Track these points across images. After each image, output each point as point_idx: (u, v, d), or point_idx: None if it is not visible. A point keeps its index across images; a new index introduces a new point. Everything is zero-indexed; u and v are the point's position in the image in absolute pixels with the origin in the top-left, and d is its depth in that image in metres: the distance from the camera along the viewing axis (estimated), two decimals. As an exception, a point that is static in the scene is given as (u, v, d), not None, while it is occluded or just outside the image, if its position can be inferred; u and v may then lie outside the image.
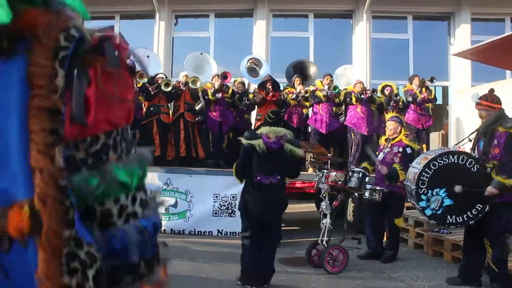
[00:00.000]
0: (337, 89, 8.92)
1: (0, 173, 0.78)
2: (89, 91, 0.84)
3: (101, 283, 0.89)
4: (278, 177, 4.90)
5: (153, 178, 7.80)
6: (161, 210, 1.01)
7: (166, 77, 9.33)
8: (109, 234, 0.89)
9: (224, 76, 9.19)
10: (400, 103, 9.12)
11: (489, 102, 5.02)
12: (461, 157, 4.87)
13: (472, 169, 4.84)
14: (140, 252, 0.93)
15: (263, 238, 4.96)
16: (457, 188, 4.81)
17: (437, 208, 4.88)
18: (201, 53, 10.31)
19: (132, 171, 0.92)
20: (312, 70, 10.06)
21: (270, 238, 5.05)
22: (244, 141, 4.97)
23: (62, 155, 0.82)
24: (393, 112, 7.71)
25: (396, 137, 6.41)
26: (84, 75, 0.83)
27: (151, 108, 8.83)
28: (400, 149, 6.27)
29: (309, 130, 9.26)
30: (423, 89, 9.14)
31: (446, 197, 4.87)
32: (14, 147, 0.79)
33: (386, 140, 6.54)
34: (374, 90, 9.16)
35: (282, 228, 6.84)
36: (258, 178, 4.87)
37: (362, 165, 6.53)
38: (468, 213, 4.85)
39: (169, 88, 8.72)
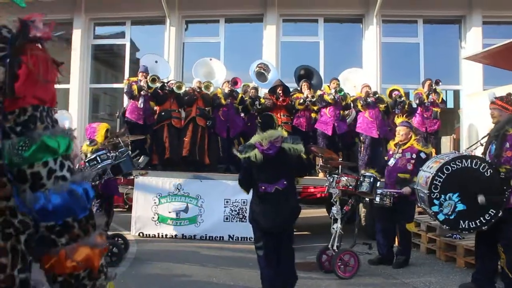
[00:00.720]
0: (342, 92, 8.92)
1: None
2: (20, 70, 0.98)
3: (30, 246, 1.00)
4: (285, 182, 4.62)
5: (165, 183, 7.86)
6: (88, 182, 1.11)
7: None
8: (40, 193, 0.99)
9: (234, 82, 9.24)
10: (406, 107, 9.08)
11: (504, 103, 4.98)
12: (474, 161, 4.82)
13: (485, 173, 4.78)
14: (72, 212, 1.02)
15: (278, 248, 4.70)
16: (480, 199, 4.75)
17: (450, 213, 4.83)
18: (210, 59, 10.36)
19: (58, 139, 1.03)
20: (314, 81, 10.08)
21: (286, 247, 4.74)
22: (240, 156, 4.73)
23: None
24: (402, 116, 7.68)
25: (407, 142, 6.38)
26: (16, 61, 0.97)
27: (163, 113, 8.89)
28: (414, 155, 6.22)
29: (317, 135, 9.25)
30: (432, 93, 9.10)
31: (459, 201, 4.81)
32: None
33: (395, 145, 6.50)
34: (375, 93, 9.09)
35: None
36: (263, 187, 4.63)
37: (369, 172, 6.46)
38: (481, 218, 4.79)
39: (182, 90, 8.77)
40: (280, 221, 4.63)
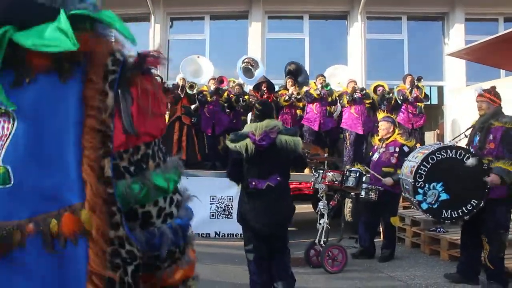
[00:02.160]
0: (329, 87, 8.96)
1: (55, 180, 0.88)
2: (132, 107, 0.96)
3: (137, 278, 1.02)
4: (278, 177, 4.13)
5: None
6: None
7: (162, 80, 9.34)
8: (150, 232, 1.02)
9: (220, 80, 9.23)
10: (393, 102, 9.16)
11: (492, 95, 5.06)
12: (459, 151, 4.89)
13: (469, 164, 4.86)
14: (175, 243, 1.07)
15: (269, 251, 4.28)
16: (470, 161, 4.80)
17: (433, 202, 4.89)
18: (198, 57, 10.32)
19: (169, 177, 1.05)
20: (301, 78, 10.11)
21: (279, 250, 4.31)
22: (230, 144, 4.21)
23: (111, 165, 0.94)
24: (385, 112, 7.77)
25: (390, 136, 6.45)
26: (128, 93, 0.96)
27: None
28: (397, 149, 6.30)
29: (304, 131, 9.28)
30: (415, 89, 9.19)
31: (443, 191, 4.88)
32: (70, 158, 0.89)
33: (380, 140, 6.57)
34: (363, 89, 9.15)
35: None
36: (253, 183, 4.12)
37: (356, 167, 6.53)
38: (463, 208, 4.87)
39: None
40: (272, 222, 4.15)
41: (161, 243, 1.05)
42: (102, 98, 0.92)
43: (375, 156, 6.45)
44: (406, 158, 5.39)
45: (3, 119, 0.89)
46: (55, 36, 0.86)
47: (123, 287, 0.98)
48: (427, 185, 4.88)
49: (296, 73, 9.95)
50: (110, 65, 0.95)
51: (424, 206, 4.91)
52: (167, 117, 9.05)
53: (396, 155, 6.26)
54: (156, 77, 1.04)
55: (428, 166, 4.88)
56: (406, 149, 6.29)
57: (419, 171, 4.88)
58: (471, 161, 4.78)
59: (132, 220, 1.02)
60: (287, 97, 9.08)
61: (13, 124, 0.88)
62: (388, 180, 6.10)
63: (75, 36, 0.87)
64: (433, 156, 4.90)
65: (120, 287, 0.97)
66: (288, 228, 4.56)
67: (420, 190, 4.89)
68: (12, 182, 0.87)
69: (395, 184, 5.97)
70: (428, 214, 5.09)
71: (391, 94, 9.19)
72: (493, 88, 5.18)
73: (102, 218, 0.91)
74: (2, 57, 0.86)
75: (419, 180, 4.88)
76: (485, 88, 5.17)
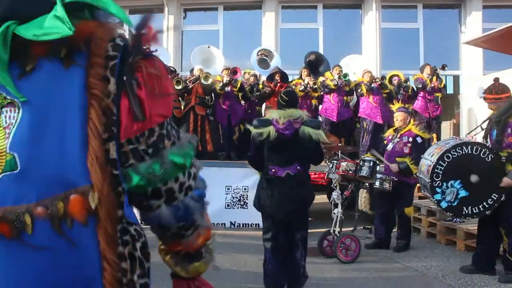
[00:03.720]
0: (347, 77, 8.90)
1: (61, 164, 0.93)
2: (139, 92, 1.00)
3: (147, 253, 1.09)
4: (298, 167, 4.16)
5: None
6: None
7: (175, 71, 9.36)
8: (175, 207, 1.11)
9: (233, 71, 9.21)
10: (410, 91, 9.08)
11: (494, 94, 4.99)
12: (475, 147, 4.84)
13: (486, 159, 4.81)
14: (197, 212, 1.16)
15: (288, 242, 4.30)
16: (473, 178, 4.78)
17: (452, 200, 4.86)
18: (208, 47, 10.32)
19: (185, 152, 1.11)
20: (322, 68, 10.06)
21: (296, 242, 4.30)
22: (252, 129, 4.25)
23: (126, 149, 1.01)
24: (401, 102, 7.73)
25: (405, 127, 6.40)
26: (134, 79, 0.99)
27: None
28: (410, 139, 6.26)
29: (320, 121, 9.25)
30: (434, 78, 9.09)
31: (461, 188, 4.84)
32: (76, 143, 0.94)
33: (394, 130, 6.53)
34: (383, 77, 9.12)
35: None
36: (273, 170, 4.16)
37: (366, 156, 6.48)
38: (484, 203, 4.83)
39: (180, 87, 8.72)
40: (289, 210, 4.17)
41: (187, 214, 1.13)
42: (104, 84, 0.96)
43: (389, 146, 6.42)
44: (422, 156, 5.34)
45: (9, 108, 0.94)
46: (53, 24, 0.91)
47: (134, 262, 1.04)
48: (444, 184, 4.84)
49: (316, 63, 9.91)
50: (110, 51, 0.98)
51: (444, 204, 4.88)
52: (182, 107, 9.08)
53: (409, 145, 6.23)
54: (161, 62, 1.08)
55: (444, 165, 4.84)
56: (419, 140, 6.25)
57: (436, 170, 4.85)
58: (474, 178, 4.76)
59: (157, 198, 1.08)
60: (302, 87, 9.04)
61: (18, 113, 0.93)
62: (394, 167, 6.07)
63: (72, 23, 0.91)
64: (449, 154, 4.86)
65: (132, 262, 1.03)
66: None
67: (438, 189, 4.85)
68: (19, 168, 0.91)
69: (407, 173, 5.95)
70: (448, 213, 5.05)
71: (407, 83, 9.11)
72: (494, 83, 5.08)
73: (109, 199, 0.97)
74: (9, 50, 0.91)
75: (436, 179, 4.85)
76: (485, 89, 5.08)
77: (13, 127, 0.92)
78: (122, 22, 1.03)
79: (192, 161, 1.14)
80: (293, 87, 9.10)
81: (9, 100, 0.93)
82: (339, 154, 6.27)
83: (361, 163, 5.95)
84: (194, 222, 1.19)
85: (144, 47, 1.03)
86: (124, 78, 0.98)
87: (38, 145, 0.92)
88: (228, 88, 8.87)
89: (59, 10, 0.92)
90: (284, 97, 4.29)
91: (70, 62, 0.95)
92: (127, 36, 1.03)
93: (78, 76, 0.95)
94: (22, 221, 0.91)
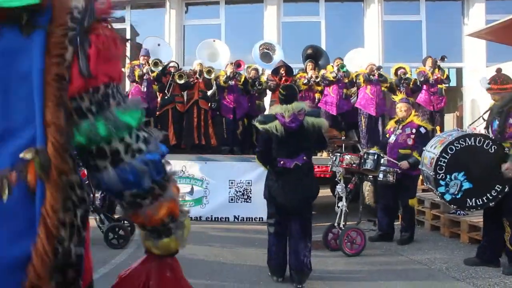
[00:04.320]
0: (344, 68, 8.87)
1: (28, 129, 0.97)
2: (90, 50, 1.02)
3: (85, 222, 1.08)
4: (304, 157, 4.42)
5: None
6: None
7: (178, 66, 9.35)
8: (121, 169, 1.09)
9: (237, 64, 9.20)
10: (411, 84, 9.04)
11: (499, 84, 4.98)
12: (478, 139, 4.83)
13: (489, 150, 4.80)
14: (151, 178, 1.12)
15: (291, 228, 4.53)
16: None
17: (456, 192, 4.86)
18: (214, 40, 10.30)
19: (131, 113, 1.10)
20: (322, 61, 10.03)
21: (301, 231, 4.51)
22: (259, 126, 4.49)
23: (69, 107, 1.01)
24: (404, 94, 7.70)
25: (407, 118, 6.38)
26: (86, 41, 1.02)
27: (166, 97, 8.86)
28: (413, 130, 6.24)
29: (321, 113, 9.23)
30: (436, 70, 9.06)
31: (465, 180, 4.84)
32: (36, 105, 0.97)
33: (396, 122, 6.51)
34: (379, 68, 9.05)
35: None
36: (282, 162, 4.40)
37: (372, 150, 6.48)
38: (488, 195, 4.83)
39: (183, 81, 8.71)
40: (298, 198, 4.41)
41: (136, 179, 1.10)
42: (62, 51, 0.99)
43: (392, 139, 6.40)
44: (424, 148, 5.33)
45: None
46: None
47: (73, 230, 1.04)
48: (448, 176, 4.83)
49: (315, 57, 9.87)
50: (69, 22, 1.01)
51: (448, 197, 4.88)
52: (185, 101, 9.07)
53: (412, 136, 6.21)
54: (113, 28, 1.10)
55: (448, 157, 4.83)
56: (423, 130, 6.23)
57: (439, 163, 4.84)
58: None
59: (101, 158, 1.07)
60: (306, 81, 9.02)
61: None
62: (404, 164, 6.06)
63: None
64: (452, 147, 4.85)
65: (70, 230, 1.03)
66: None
67: (442, 182, 4.85)
68: None
69: (412, 167, 5.94)
70: (452, 205, 5.05)
71: (407, 75, 9.06)
72: (499, 73, 5.06)
73: (63, 160, 0.98)
74: None
75: (440, 172, 4.84)
76: (489, 79, 5.06)
77: None
78: None
79: (142, 125, 1.13)
80: (297, 80, 9.09)
81: None
82: (343, 147, 6.26)
83: (365, 156, 5.94)
84: (151, 190, 1.14)
85: (99, 12, 1.06)
86: (78, 39, 1.01)
87: (6, 114, 0.96)
88: (232, 82, 8.85)
89: None
90: (283, 91, 4.56)
91: (30, 29, 0.97)
92: (81, 6, 1.05)
93: (38, 41, 0.97)
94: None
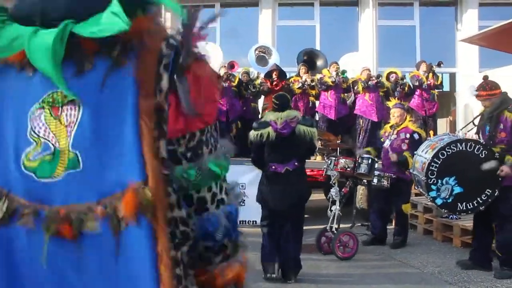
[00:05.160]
0: (345, 74, 8.91)
1: (119, 162, 0.92)
2: (190, 90, 0.97)
3: (192, 258, 1.03)
4: (295, 163, 4.64)
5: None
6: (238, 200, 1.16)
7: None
8: (205, 218, 1.05)
9: (231, 65, 9.20)
10: (406, 89, 9.09)
11: (487, 91, 5.02)
12: (469, 144, 4.88)
13: (480, 155, 4.85)
14: (228, 234, 1.08)
15: (283, 229, 4.76)
16: (488, 165, 4.78)
17: (447, 196, 4.91)
18: (206, 43, 10.26)
19: (221, 163, 1.07)
20: (320, 62, 10.07)
21: (292, 232, 4.77)
22: (252, 133, 4.72)
23: (166, 148, 0.96)
24: (398, 99, 7.75)
25: (402, 123, 6.42)
26: (184, 79, 0.97)
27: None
28: (408, 135, 6.27)
29: (317, 118, 9.25)
30: (430, 75, 9.11)
31: (456, 185, 4.89)
32: (130, 141, 0.92)
33: (391, 127, 6.54)
34: (379, 76, 9.12)
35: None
36: (273, 167, 4.64)
37: (365, 149, 6.56)
38: (478, 199, 4.87)
39: None
40: (288, 203, 4.61)
41: (215, 229, 1.06)
42: (157, 80, 0.94)
43: (387, 143, 6.43)
44: (415, 152, 5.37)
45: (70, 106, 0.93)
46: (109, 20, 0.90)
47: (179, 267, 0.99)
48: (439, 181, 4.88)
49: (312, 59, 9.90)
50: (164, 49, 0.96)
51: (439, 201, 4.93)
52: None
53: (407, 141, 6.24)
54: (209, 63, 1.05)
55: (439, 162, 4.88)
56: (416, 136, 6.26)
57: (431, 167, 4.88)
58: (489, 165, 4.75)
59: (187, 206, 1.04)
60: (300, 85, 9.04)
61: (79, 111, 0.92)
62: (393, 156, 6.10)
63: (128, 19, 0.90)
64: (443, 152, 4.90)
65: (177, 266, 0.98)
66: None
67: (433, 187, 4.90)
68: (82, 166, 0.91)
69: (404, 165, 5.98)
70: (443, 209, 5.09)
71: (404, 80, 9.13)
72: (485, 81, 5.11)
73: (163, 196, 0.94)
74: (64, 49, 0.90)
75: (431, 176, 4.89)
76: (477, 86, 5.11)
77: (75, 125, 0.92)
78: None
79: (225, 175, 1.10)
80: (291, 84, 9.12)
81: (70, 98, 0.93)
82: (338, 151, 6.28)
83: (359, 160, 5.97)
84: (224, 248, 1.09)
85: (195, 49, 1.00)
86: (175, 77, 0.96)
87: (98, 145, 0.92)
88: (225, 84, 8.84)
89: (115, 6, 0.91)
90: (275, 101, 4.83)
91: (123, 61, 0.93)
92: (178, 36, 1.00)
93: (130, 73, 0.93)
94: (83, 220, 0.90)
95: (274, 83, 8.98)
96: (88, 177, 0.91)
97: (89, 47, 0.92)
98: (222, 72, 8.97)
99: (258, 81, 9.31)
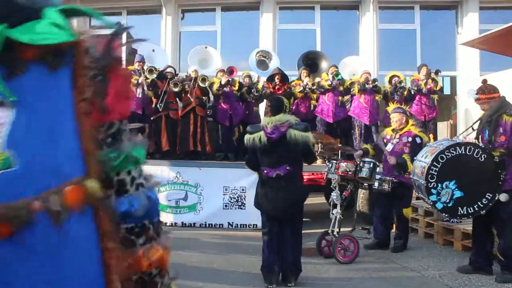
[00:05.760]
0: (339, 76, 8.92)
1: (57, 157, 0.99)
2: (109, 89, 1.09)
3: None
4: (288, 167, 4.59)
5: (163, 172, 7.86)
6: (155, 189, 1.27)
7: (175, 71, 9.37)
8: (124, 199, 1.14)
9: (230, 71, 9.20)
10: (405, 93, 9.09)
11: (487, 94, 5.02)
12: (468, 147, 4.87)
13: (479, 159, 4.84)
14: (149, 215, 1.18)
15: (281, 235, 4.73)
16: (503, 197, 4.80)
17: (448, 200, 4.89)
18: (206, 47, 10.30)
19: (139, 149, 1.18)
20: (324, 64, 10.09)
21: (290, 236, 4.75)
22: (246, 137, 4.78)
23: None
24: (397, 103, 7.75)
25: (404, 127, 6.42)
26: (105, 80, 1.09)
27: (159, 104, 8.83)
28: (409, 139, 6.27)
29: (316, 121, 9.26)
30: (429, 80, 9.11)
31: (456, 189, 4.88)
32: (69, 138, 1.02)
33: (393, 130, 6.54)
34: (375, 80, 9.10)
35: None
36: (265, 171, 4.65)
37: (363, 146, 6.57)
38: (479, 203, 4.86)
39: (177, 89, 8.71)
40: (281, 207, 4.61)
41: (135, 209, 1.14)
42: (88, 81, 1.06)
43: (389, 147, 6.43)
44: (415, 158, 5.37)
45: (0, 108, 0.96)
46: (50, 30, 0.96)
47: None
48: (439, 185, 4.87)
49: (314, 62, 9.92)
50: (89, 59, 1.07)
51: (439, 205, 4.91)
52: (179, 108, 9.06)
53: (409, 145, 6.24)
54: (126, 69, 1.22)
55: (439, 166, 4.87)
56: (418, 140, 6.26)
57: (430, 171, 4.87)
58: (503, 197, 4.77)
59: (107, 188, 1.12)
60: (301, 88, 9.06)
61: (10, 113, 0.95)
62: (392, 159, 6.10)
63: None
64: (443, 155, 4.89)
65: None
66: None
67: (433, 191, 4.88)
68: (14, 166, 0.94)
69: (403, 167, 6.00)
70: (444, 213, 5.08)
71: (402, 84, 9.13)
72: (485, 84, 5.12)
73: (101, 185, 1.05)
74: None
75: (431, 180, 4.88)
76: (477, 89, 5.12)
77: (6, 126, 0.94)
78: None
79: (144, 161, 1.20)
80: (292, 88, 9.13)
81: None
82: (339, 154, 6.29)
83: (361, 164, 5.97)
84: (147, 229, 1.17)
85: (113, 53, 1.12)
86: (98, 77, 1.08)
87: (31, 144, 0.96)
88: (227, 89, 8.85)
89: (57, 18, 0.98)
90: (269, 103, 4.87)
91: (56, 66, 1.01)
92: (100, 43, 1.11)
93: (65, 77, 1.02)
94: (20, 217, 0.93)
95: (277, 87, 8.99)
96: (21, 176, 0.94)
97: (23, 53, 0.97)
98: (223, 79, 8.91)
99: (260, 85, 9.30)
